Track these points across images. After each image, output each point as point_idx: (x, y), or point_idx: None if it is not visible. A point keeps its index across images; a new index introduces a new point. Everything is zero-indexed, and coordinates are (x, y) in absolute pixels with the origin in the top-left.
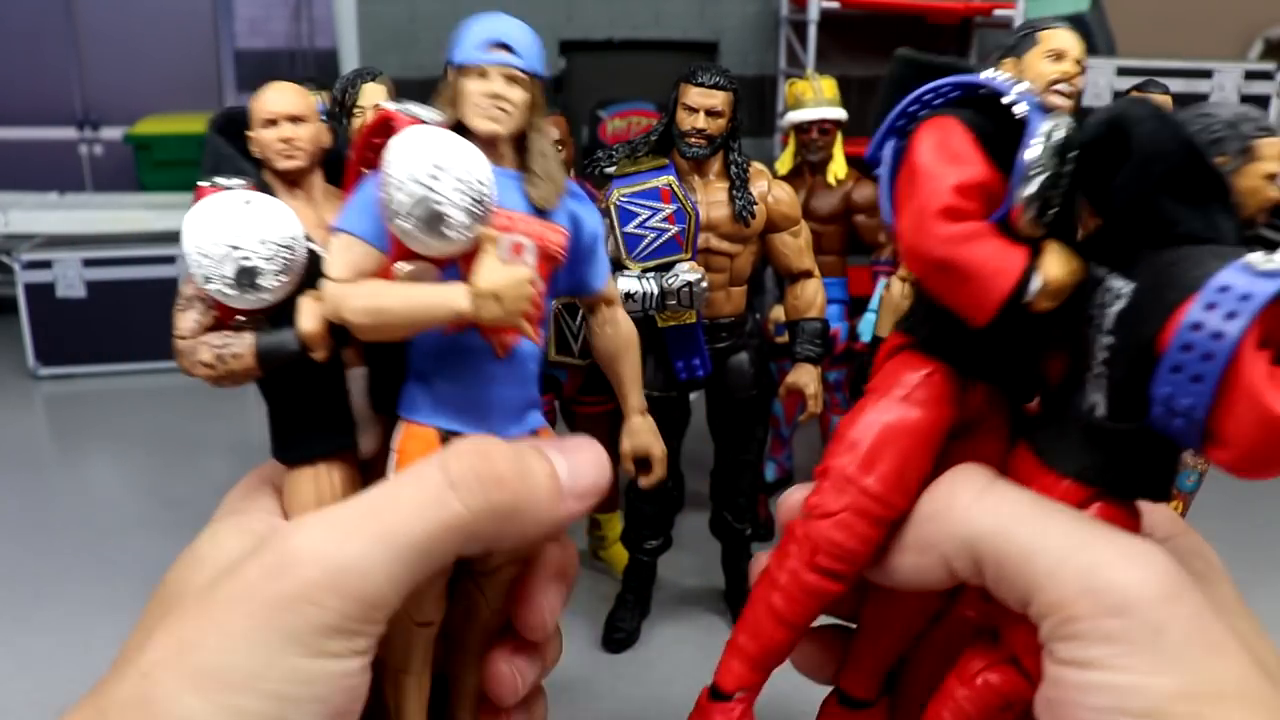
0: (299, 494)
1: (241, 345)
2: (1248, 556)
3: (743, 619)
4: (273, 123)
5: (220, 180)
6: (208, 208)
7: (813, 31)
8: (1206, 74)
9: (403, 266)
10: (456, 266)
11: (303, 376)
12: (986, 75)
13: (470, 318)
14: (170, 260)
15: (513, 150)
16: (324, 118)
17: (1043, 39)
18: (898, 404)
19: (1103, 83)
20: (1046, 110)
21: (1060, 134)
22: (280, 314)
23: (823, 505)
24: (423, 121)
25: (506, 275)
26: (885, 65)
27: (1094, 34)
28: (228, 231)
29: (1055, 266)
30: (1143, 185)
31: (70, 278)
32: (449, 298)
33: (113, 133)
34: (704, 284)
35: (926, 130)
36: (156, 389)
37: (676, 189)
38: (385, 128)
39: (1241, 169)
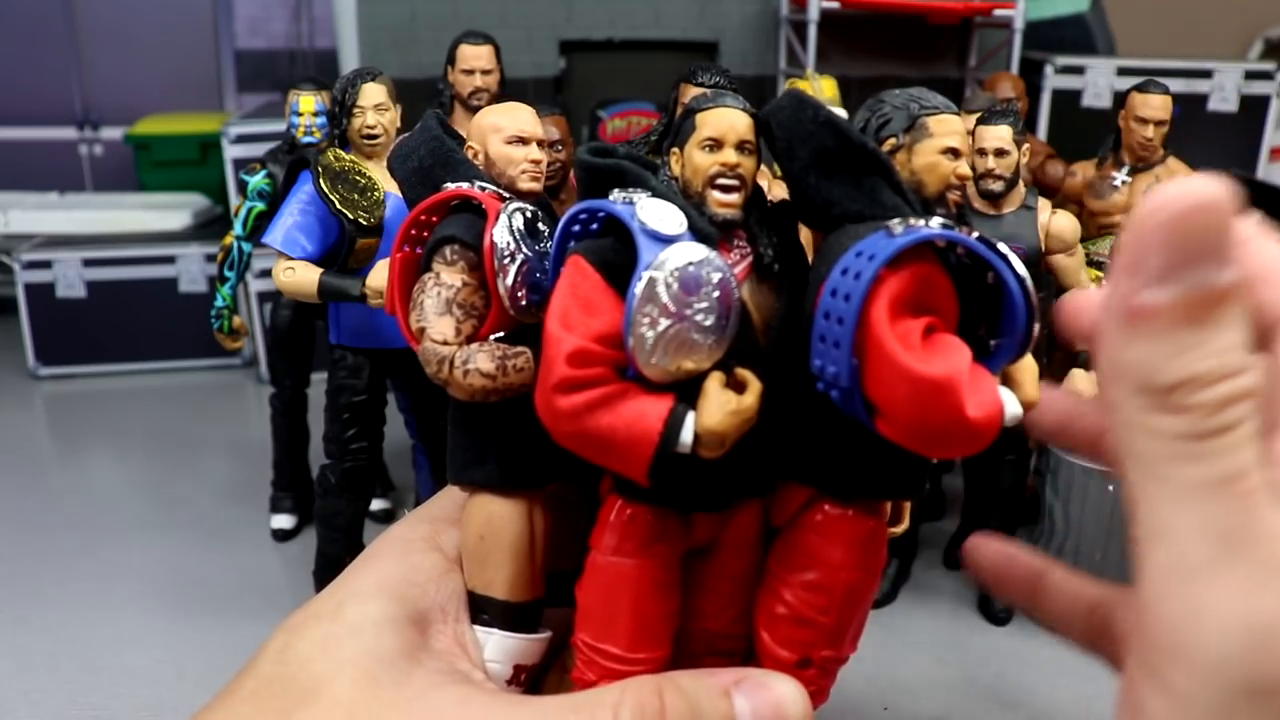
0: (502, 530)
1: (526, 357)
2: None
3: None
4: (524, 141)
5: (636, 195)
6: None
7: (813, 31)
8: (1206, 74)
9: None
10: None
11: None
12: (615, 197)
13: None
14: (170, 260)
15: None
16: (323, 118)
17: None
18: (610, 560)
19: (1103, 83)
20: (657, 234)
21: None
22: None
23: (583, 679)
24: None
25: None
26: (885, 65)
27: (1094, 34)
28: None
29: (709, 412)
30: (790, 167)
31: (70, 278)
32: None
33: (113, 133)
34: None
35: (560, 277)
36: (156, 389)
37: None
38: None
39: (914, 147)
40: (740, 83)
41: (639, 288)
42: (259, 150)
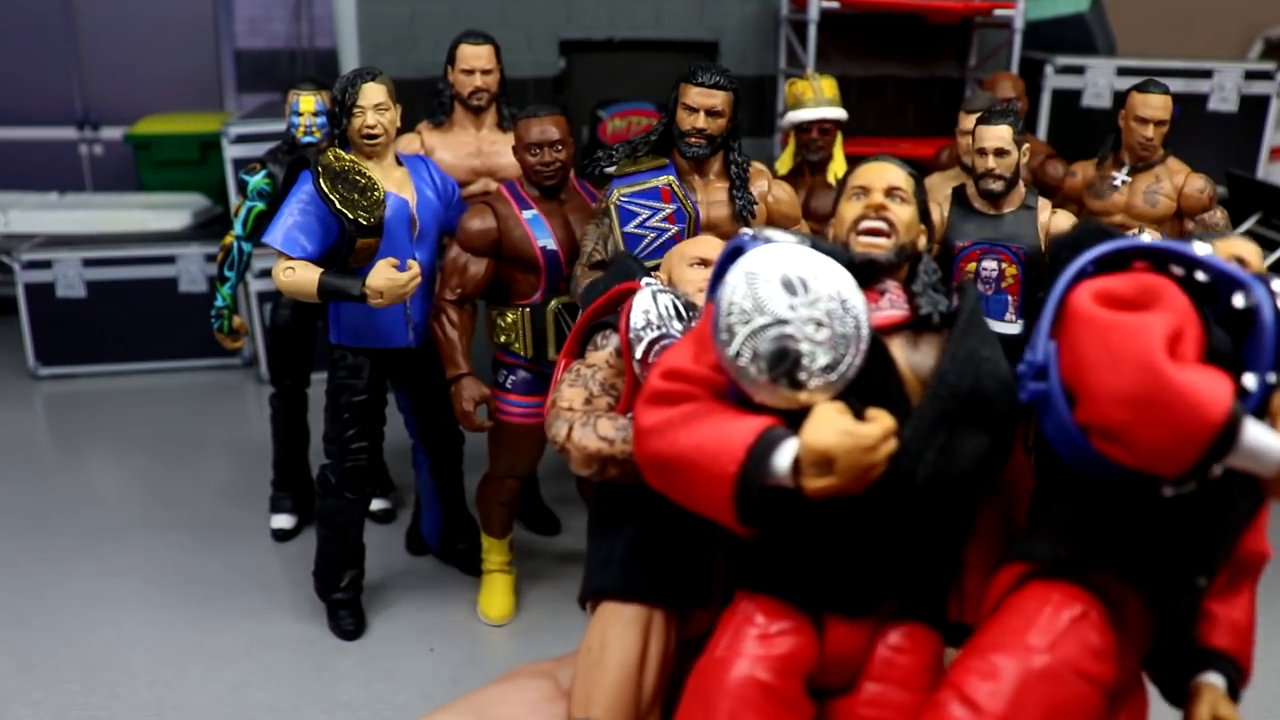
0: (612, 642)
1: None
2: None
3: None
4: (706, 264)
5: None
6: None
7: (813, 31)
8: (1206, 74)
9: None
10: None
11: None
12: (747, 234)
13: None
14: (170, 260)
15: None
16: (323, 118)
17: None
18: (718, 661)
19: (1103, 83)
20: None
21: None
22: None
23: None
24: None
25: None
26: (885, 65)
27: (1094, 34)
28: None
29: (815, 427)
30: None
31: (70, 278)
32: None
33: (113, 133)
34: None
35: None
36: (156, 389)
37: (677, 189)
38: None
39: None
40: (740, 83)
41: (731, 279)
42: (259, 150)
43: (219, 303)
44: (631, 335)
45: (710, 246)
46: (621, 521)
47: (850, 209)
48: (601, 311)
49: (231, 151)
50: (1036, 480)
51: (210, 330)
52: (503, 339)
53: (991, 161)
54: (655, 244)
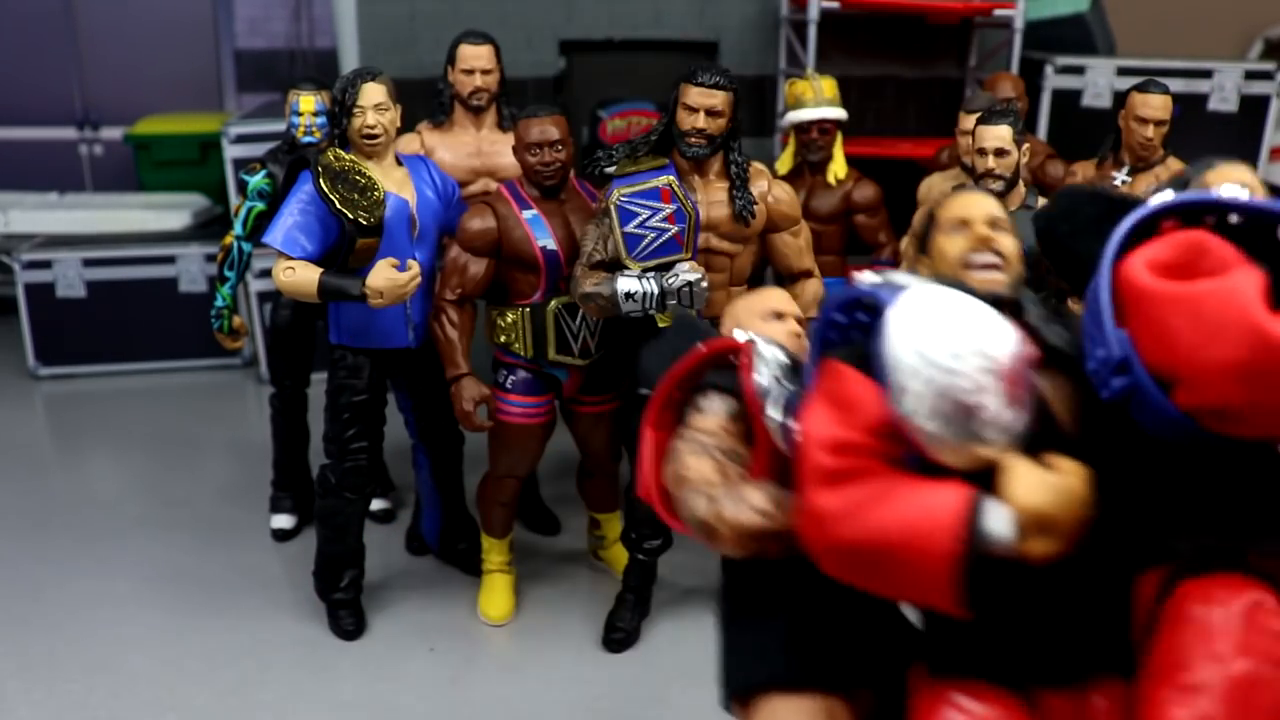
0: None
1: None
2: None
3: None
4: (781, 317)
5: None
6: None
7: (813, 31)
8: (1206, 74)
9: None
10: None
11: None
12: (869, 282)
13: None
14: (170, 260)
15: None
16: (323, 118)
17: (940, 216)
18: None
19: (1103, 83)
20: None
21: (779, 355)
22: None
23: None
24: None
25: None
26: (885, 65)
27: (1094, 34)
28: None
29: (1023, 487)
30: (1066, 246)
31: (70, 278)
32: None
33: (113, 133)
34: (704, 284)
35: (819, 380)
36: (156, 389)
37: (677, 189)
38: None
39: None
40: (740, 83)
41: (893, 335)
42: (259, 150)
43: (219, 303)
44: (762, 396)
45: (779, 299)
46: (776, 602)
47: (953, 244)
48: (693, 374)
49: (231, 151)
50: (1128, 475)
51: (210, 330)
52: (503, 339)
53: (991, 161)
54: (655, 244)
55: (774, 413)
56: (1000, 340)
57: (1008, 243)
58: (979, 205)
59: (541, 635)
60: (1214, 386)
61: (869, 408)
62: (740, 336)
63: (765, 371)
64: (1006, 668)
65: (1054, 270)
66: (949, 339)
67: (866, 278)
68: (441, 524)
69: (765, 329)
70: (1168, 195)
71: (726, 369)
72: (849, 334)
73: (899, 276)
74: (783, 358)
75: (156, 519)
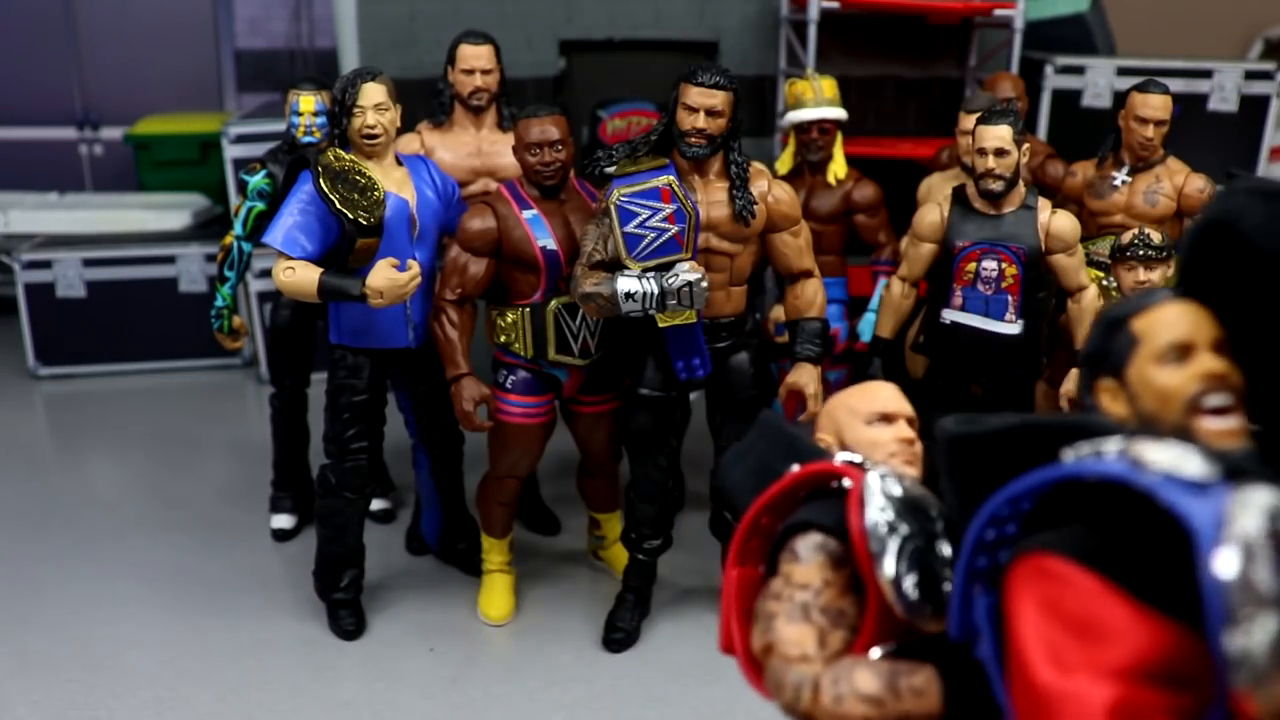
0: None
1: (926, 677)
2: None
3: None
4: (889, 420)
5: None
6: None
7: (813, 31)
8: (1206, 74)
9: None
10: None
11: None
12: (1078, 455)
13: None
14: (170, 260)
15: None
16: (323, 117)
17: (1144, 332)
18: None
19: (1103, 83)
20: (1186, 481)
21: (896, 488)
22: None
23: None
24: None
25: None
26: (885, 65)
27: (1094, 34)
28: None
29: None
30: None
31: (70, 278)
32: None
33: (113, 133)
34: (704, 283)
35: (1024, 592)
36: (156, 389)
37: (677, 189)
38: (789, 498)
39: None
40: (740, 83)
41: (1228, 566)
42: (259, 150)
43: (219, 303)
44: (877, 546)
45: (888, 396)
46: None
47: (1173, 378)
48: (785, 501)
49: (231, 151)
50: None
51: (210, 330)
52: (503, 339)
53: (991, 161)
54: (655, 244)
55: (889, 567)
56: None
57: (1238, 375)
58: (1200, 322)
59: (541, 635)
60: None
61: (1129, 631)
62: (843, 456)
63: (879, 511)
64: None
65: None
66: (1243, 517)
67: (1096, 449)
68: (441, 524)
69: (871, 436)
70: (1156, 237)
71: (828, 496)
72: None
73: (1109, 445)
74: (899, 490)
75: (156, 519)
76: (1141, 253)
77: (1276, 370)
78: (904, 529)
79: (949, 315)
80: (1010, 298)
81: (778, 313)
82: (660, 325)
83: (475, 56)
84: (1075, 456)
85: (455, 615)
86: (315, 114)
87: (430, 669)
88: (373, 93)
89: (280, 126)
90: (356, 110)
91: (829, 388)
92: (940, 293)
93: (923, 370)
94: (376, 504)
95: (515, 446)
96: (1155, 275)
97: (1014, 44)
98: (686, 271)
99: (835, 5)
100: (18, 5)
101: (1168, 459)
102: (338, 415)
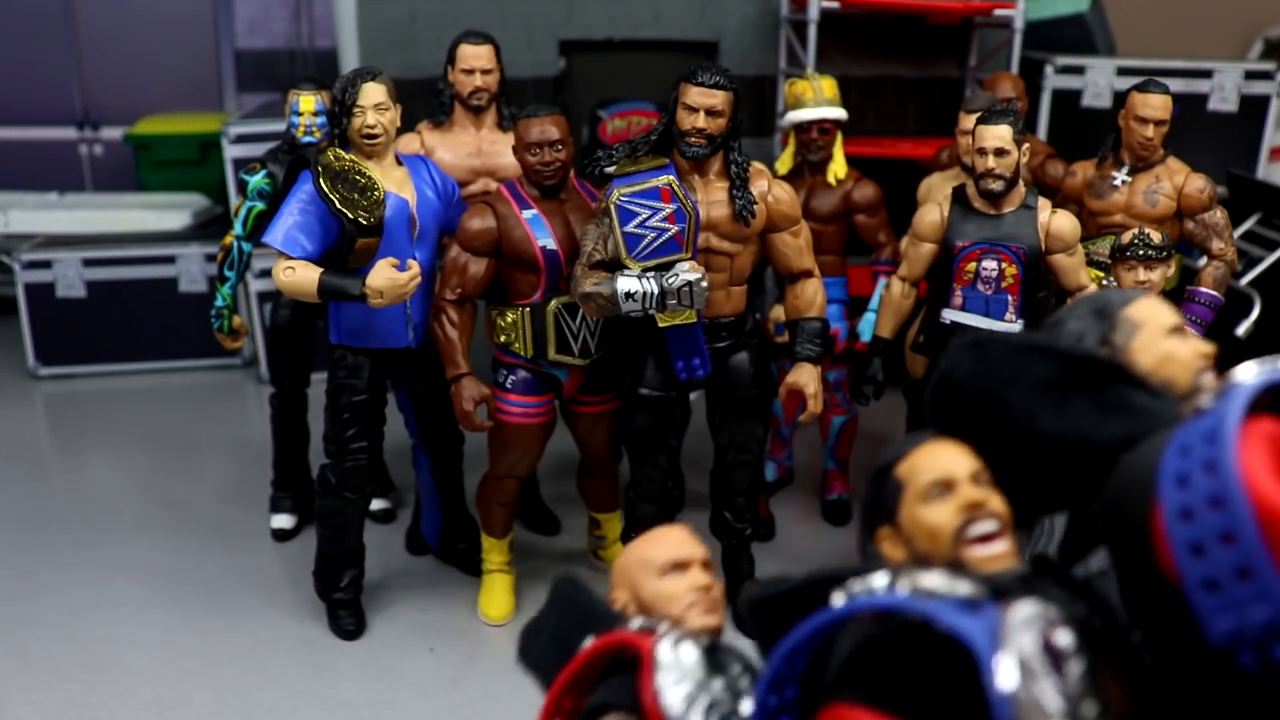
0: None
1: None
2: None
3: None
4: (682, 567)
5: None
6: None
7: (813, 31)
8: (1206, 74)
9: None
10: None
11: None
12: (851, 593)
13: None
14: (170, 260)
15: None
16: (322, 117)
17: (907, 476)
18: None
19: (1103, 83)
20: (959, 603)
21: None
22: None
23: None
24: None
25: None
26: (885, 65)
27: (1094, 34)
28: None
29: None
30: (1007, 429)
31: (70, 278)
32: None
33: (113, 133)
34: (704, 283)
35: None
36: (156, 389)
37: (677, 188)
38: (588, 675)
39: (1129, 346)
40: (740, 83)
41: (1008, 680)
42: (259, 150)
43: (219, 303)
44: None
45: (677, 542)
46: None
47: (937, 515)
48: (582, 679)
49: (231, 151)
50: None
51: (210, 330)
52: (503, 339)
53: (991, 161)
54: (655, 244)
55: None
56: (1057, 628)
57: (999, 500)
58: (958, 461)
59: None
60: None
61: None
62: (635, 623)
63: (673, 685)
64: None
65: (983, 447)
66: (1015, 634)
67: (868, 585)
68: (441, 524)
69: (666, 590)
70: (1156, 237)
71: (627, 668)
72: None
73: (877, 579)
74: (695, 654)
75: (156, 519)
76: (1141, 253)
77: (1032, 488)
78: (703, 699)
79: (949, 315)
80: (1010, 298)
81: (778, 313)
82: (660, 325)
83: (475, 56)
84: (846, 596)
85: (455, 615)
86: (315, 114)
87: (430, 669)
88: (373, 93)
89: (280, 126)
90: (356, 110)
91: (829, 388)
92: (940, 293)
93: (923, 370)
94: (376, 504)
95: (515, 446)
96: (1155, 275)
97: (1014, 44)
98: (686, 271)
99: (835, 5)
100: (18, 5)
101: (938, 584)
102: (338, 415)
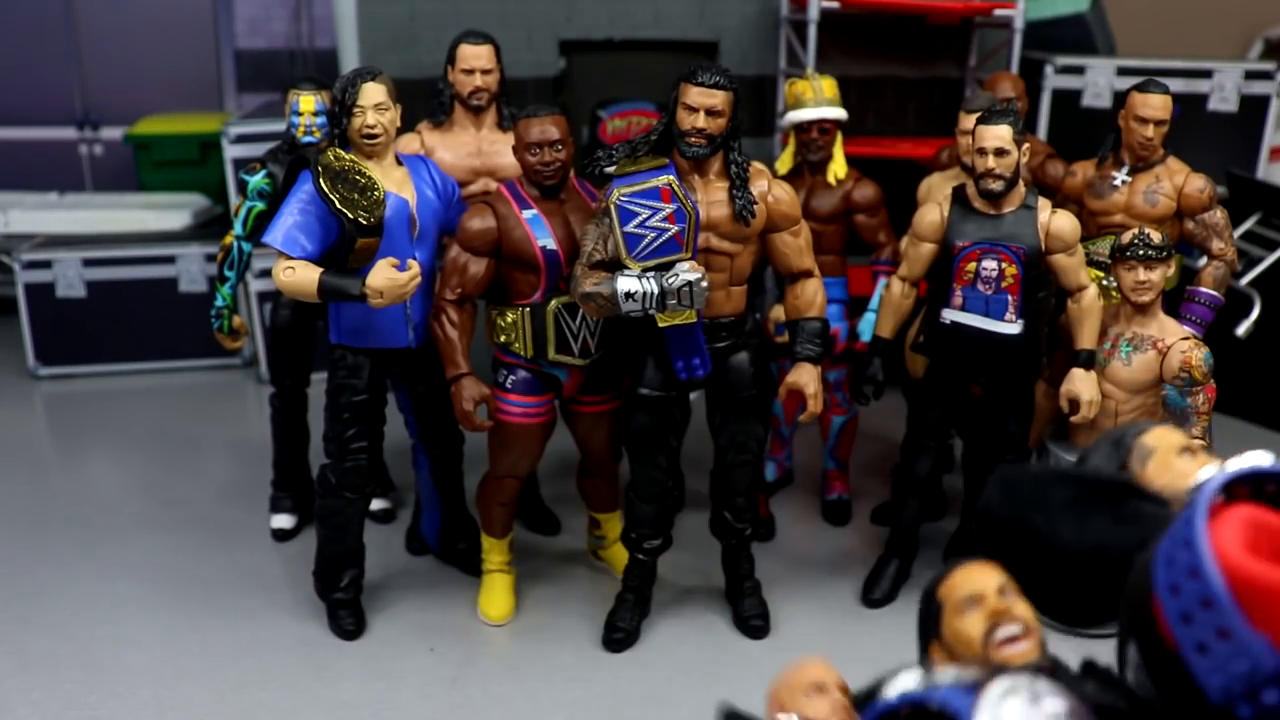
0: None
1: None
2: None
3: None
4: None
5: None
6: None
7: (813, 31)
8: (1206, 74)
9: None
10: None
11: None
12: (898, 689)
13: None
14: (170, 260)
15: None
16: (322, 117)
17: (945, 596)
18: None
19: (1103, 83)
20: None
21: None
22: None
23: None
24: None
25: None
26: (885, 65)
27: (1094, 34)
28: None
29: None
30: (1035, 547)
31: (70, 278)
32: None
33: (113, 133)
34: (704, 283)
35: None
36: (156, 389)
37: (677, 188)
38: None
39: (1145, 470)
40: (740, 83)
41: None
42: (259, 150)
43: (219, 302)
44: None
45: (819, 671)
46: None
47: (970, 624)
48: None
49: (231, 151)
50: None
51: (210, 330)
52: (503, 339)
53: (991, 161)
54: (655, 244)
55: None
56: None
57: (1023, 607)
58: (983, 576)
59: (541, 635)
60: None
61: None
62: None
63: None
64: None
65: (1011, 564)
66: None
67: (901, 684)
68: (441, 524)
69: (810, 707)
70: (1156, 237)
71: None
72: None
73: (944, 675)
74: None
75: (156, 519)
76: (1141, 253)
77: (1068, 596)
78: None
79: (949, 315)
80: (1010, 297)
81: (778, 313)
82: (660, 325)
83: (475, 56)
84: (894, 693)
85: (455, 615)
86: (315, 114)
87: (430, 669)
88: (373, 92)
89: (280, 126)
90: (356, 110)
91: (829, 388)
92: (940, 292)
93: (923, 370)
94: (376, 504)
95: (515, 446)
96: (1155, 275)
97: (1014, 44)
98: (686, 271)
99: (835, 5)
100: (18, 5)
101: (952, 676)
102: (338, 415)
